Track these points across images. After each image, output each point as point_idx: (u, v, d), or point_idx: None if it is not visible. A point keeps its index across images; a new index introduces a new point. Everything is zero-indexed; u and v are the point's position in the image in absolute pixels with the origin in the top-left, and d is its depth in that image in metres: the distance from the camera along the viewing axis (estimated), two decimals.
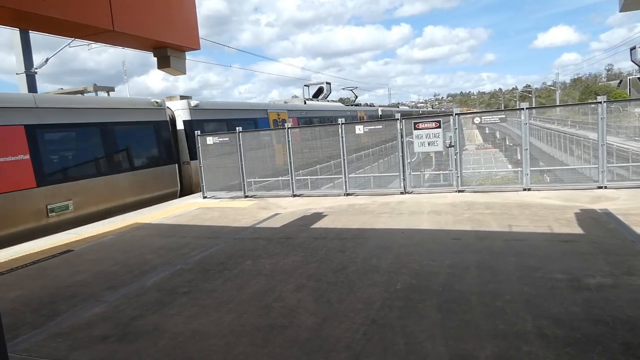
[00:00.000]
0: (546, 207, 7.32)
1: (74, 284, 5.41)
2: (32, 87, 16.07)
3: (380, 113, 35.34)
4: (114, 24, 3.76)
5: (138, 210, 10.93)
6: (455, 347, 3.17)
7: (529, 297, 3.91)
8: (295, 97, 27.01)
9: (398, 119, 9.78)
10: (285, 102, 23.82)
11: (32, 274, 6.07)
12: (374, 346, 3.30)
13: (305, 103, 24.27)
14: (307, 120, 21.98)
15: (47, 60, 16.87)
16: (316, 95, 29.31)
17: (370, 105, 40.59)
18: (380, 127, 10.38)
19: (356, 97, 38.28)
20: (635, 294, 3.81)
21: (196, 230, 8.00)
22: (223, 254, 6.21)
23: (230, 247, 6.58)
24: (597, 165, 8.65)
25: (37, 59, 16.54)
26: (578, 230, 5.91)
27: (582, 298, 3.80)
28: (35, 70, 16.20)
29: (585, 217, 6.52)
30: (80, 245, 7.48)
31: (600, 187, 8.46)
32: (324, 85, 29.60)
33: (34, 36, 16.95)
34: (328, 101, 30.25)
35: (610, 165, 9.04)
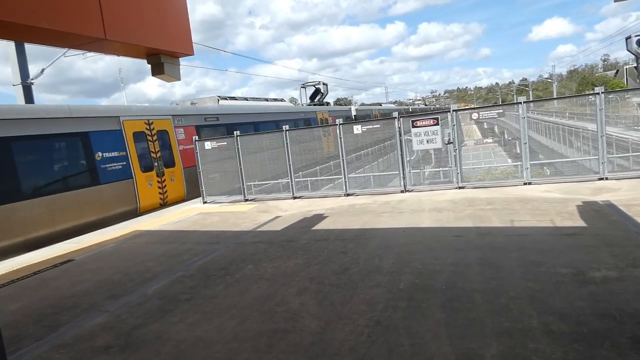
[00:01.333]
0: (547, 201, 7.28)
1: (76, 294, 5.38)
2: (29, 98, 16.08)
3: (354, 114, 29.28)
4: (106, 33, 3.73)
5: (137, 218, 10.90)
6: (460, 347, 3.14)
7: (534, 292, 3.87)
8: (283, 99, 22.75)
9: (396, 117, 9.76)
10: (192, 104, 17.04)
11: (33, 284, 6.05)
12: (379, 348, 3.26)
13: (218, 102, 17.67)
14: (219, 129, 15.01)
15: (42, 70, 16.86)
16: (313, 96, 29.04)
17: (340, 104, 34.19)
18: (378, 126, 10.37)
19: (322, 95, 29.40)
20: None
21: (197, 236, 7.97)
22: (224, 259, 6.18)
23: (232, 251, 6.55)
24: (597, 157, 8.61)
25: (33, 69, 16.51)
26: (581, 223, 5.87)
27: (588, 292, 3.76)
28: (32, 81, 16.20)
29: (588, 209, 6.48)
30: (81, 255, 7.46)
31: (601, 179, 8.42)
32: (321, 86, 29.27)
33: (30, 47, 16.94)
34: (268, 100, 22.79)
35: (610, 156, 9.00)
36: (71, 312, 4.79)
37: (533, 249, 5.00)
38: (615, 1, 4.92)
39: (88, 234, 9.32)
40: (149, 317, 4.41)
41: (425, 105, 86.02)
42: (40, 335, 4.28)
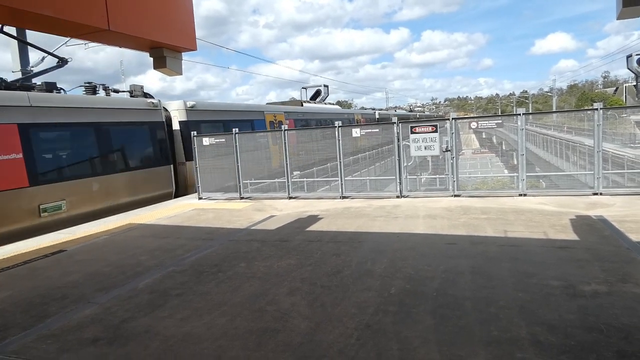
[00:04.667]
0: (542, 213, 7.32)
1: (65, 285, 5.35)
2: None
3: (181, 119, 14.52)
4: (110, 24, 3.73)
5: (133, 211, 10.87)
6: (449, 353, 3.15)
7: (524, 303, 3.89)
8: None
9: (395, 122, 9.78)
10: None
11: (23, 274, 6.01)
12: (368, 351, 3.26)
13: None
14: None
15: (43, 58, 16.75)
16: (314, 97, 29.04)
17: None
18: (377, 130, 10.40)
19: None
20: (629, 301, 3.80)
21: (191, 232, 7.95)
22: (217, 256, 6.16)
23: (225, 249, 6.53)
24: (592, 172, 8.66)
25: (33, 57, 16.41)
26: (573, 236, 5.91)
27: (577, 305, 3.78)
28: (32, 69, 16.10)
29: (581, 223, 6.52)
30: (73, 246, 7.42)
31: (596, 194, 8.47)
32: (322, 88, 29.24)
33: (31, 34, 16.84)
34: None
35: (605, 171, 9.05)
36: (60, 303, 4.76)
37: (525, 260, 5.02)
38: (617, 19, 4.96)
39: (81, 225, 9.28)
40: (138, 310, 4.39)
41: (410, 111, 65.46)
42: (28, 324, 4.25)
